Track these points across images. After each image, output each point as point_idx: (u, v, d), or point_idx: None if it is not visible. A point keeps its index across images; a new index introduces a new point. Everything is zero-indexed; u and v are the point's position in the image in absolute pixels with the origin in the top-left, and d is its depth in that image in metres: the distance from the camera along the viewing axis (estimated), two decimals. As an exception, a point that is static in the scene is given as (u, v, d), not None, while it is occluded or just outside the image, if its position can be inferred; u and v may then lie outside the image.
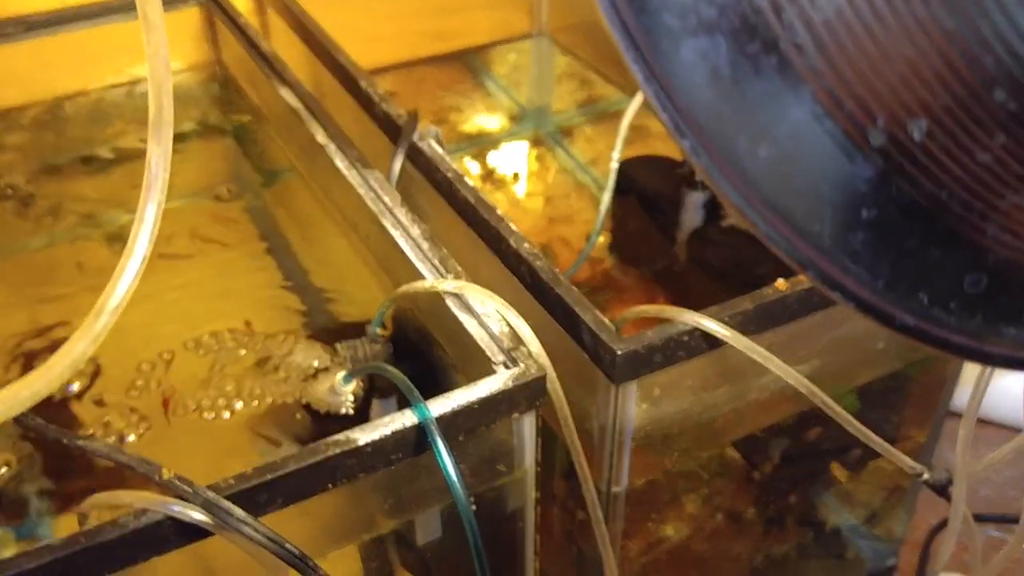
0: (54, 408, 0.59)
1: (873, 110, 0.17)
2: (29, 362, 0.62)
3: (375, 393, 0.59)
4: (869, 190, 0.18)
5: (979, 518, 0.73)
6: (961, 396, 0.77)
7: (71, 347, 0.28)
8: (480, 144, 0.96)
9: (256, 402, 0.59)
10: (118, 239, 0.72)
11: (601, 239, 0.82)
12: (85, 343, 0.27)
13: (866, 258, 0.19)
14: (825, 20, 0.17)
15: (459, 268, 0.56)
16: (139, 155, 0.79)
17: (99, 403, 0.59)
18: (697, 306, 0.54)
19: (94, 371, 0.61)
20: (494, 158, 0.95)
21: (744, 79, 0.17)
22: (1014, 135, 0.17)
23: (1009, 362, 0.20)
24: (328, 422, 0.57)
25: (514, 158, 0.96)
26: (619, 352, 0.51)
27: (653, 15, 0.17)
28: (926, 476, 0.59)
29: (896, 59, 0.17)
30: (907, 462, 0.59)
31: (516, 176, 0.93)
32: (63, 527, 0.55)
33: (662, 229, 0.85)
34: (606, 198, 0.80)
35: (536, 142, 0.98)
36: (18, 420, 0.53)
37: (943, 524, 0.82)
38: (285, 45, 0.85)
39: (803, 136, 0.18)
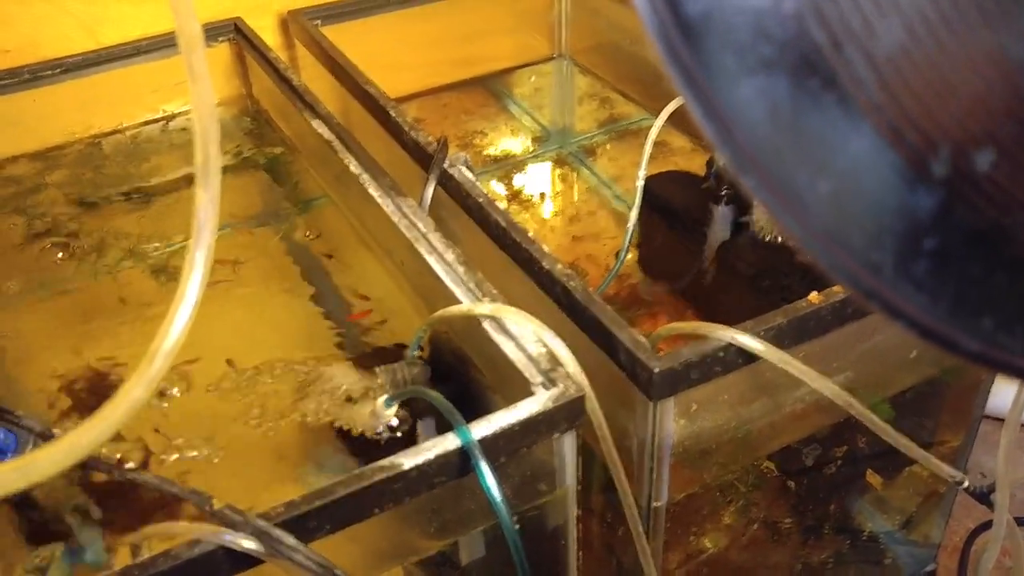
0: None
1: (936, 141, 0.18)
2: (76, 396, 0.64)
3: (415, 416, 0.60)
4: (931, 220, 0.18)
5: (1020, 522, 0.74)
6: (996, 400, 0.77)
7: (127, 392, 0.29)
8: (506, 166, 0.98)
9: (298, 428, 0.60)
10: (160, 271, 0.73)
11: (628, 255, 0.83)
12: (141, 388, 0.28)
13: (929, 286, 0.19)
14: (886, 54, 0.17)
15: (494, 291, 0.57)
16: (176, 188, 0.81)
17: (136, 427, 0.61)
18: (727, 319, 0.54)
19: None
20: (520, 179, 0.97)
21: (804, 115, 0.17)
22: None
23: None
24: (370, 445, 0.58)
25: (539, 178, 0.97)
26: (656, 370, 0.51)
27: (711, 54, 0.17)
28: (966, 484, 0.60)
29: (961, 91, 0.17)
30: (946, 470, 0.60)
31: (542, 196, 0.95)
32: (117, 556, 0.56)
33: (689, 244, 0.86)
34: (633, 215, 0.81)
35: (560, 162, 0.99)
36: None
37: (981, 528, 0.82)
38: (314, 77, 0.86)
39: (864, 169, 0.18)
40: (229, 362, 0.65)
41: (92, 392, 0.64)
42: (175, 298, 0.27)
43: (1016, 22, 0.16)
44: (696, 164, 0.90)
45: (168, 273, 0.73)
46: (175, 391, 0.63)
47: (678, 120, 0.92)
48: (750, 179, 0.17)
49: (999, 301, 0.19)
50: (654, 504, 0.58)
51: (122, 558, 0.55)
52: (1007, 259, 0.19)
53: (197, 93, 0.26)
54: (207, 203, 0.27)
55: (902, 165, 0.18)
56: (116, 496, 0.58)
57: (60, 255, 0.75)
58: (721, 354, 0.53)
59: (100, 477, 0.58)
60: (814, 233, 0.18)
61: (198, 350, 0.66)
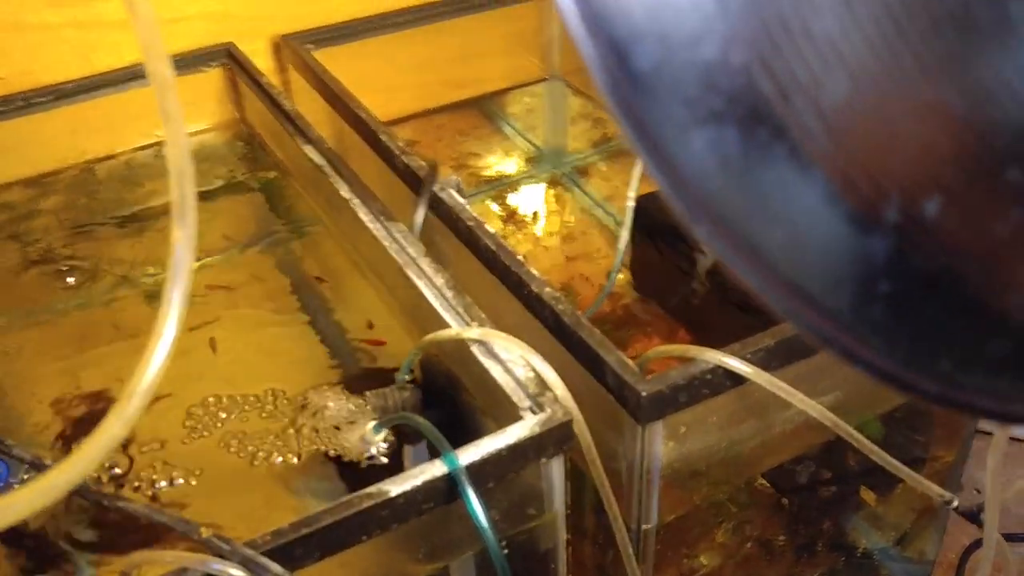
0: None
1: (886, 189, 0.18)
2: (70, 422, 0.64)
3: (405, 440, 0.61)
4: (885, 265, 0.18)
5: (1014, 537, 0.74)
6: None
7: (104, 431, 0.29)
8: (499, 187, 0.98)
9: (289, 453, 0.61)
10: (154, 298, 0.74)
11: (621, 275, 0.83)
12: (118, 426, 0.28)
13: (886, 330, 0.19)
14: (833, 105, 0.17)
15: (483, 316, 0.57)
16: (169, 213, 0.82)
17: (133, 457, 0.61)
18: (719, 338, 0.55)
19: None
20: (513, 199, 0.97)
21: (755, 165, 0.18)
22: None
23: None
24: (360, 470, 0.59)
25: (533, 199, 0.97)
26: (644, 393, 0.52)
27: (661, 107, 0.17)
28: (956, 503, 0.60)
29: (907, 141, 0.17)
30: (936, 490, 0.60)
31: (535, 216, 0.95)
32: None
33: (681, 263, 0.86)
34: (624, 235, 0.81)
35: (553, 182, 0.99)
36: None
37: (976, 544, 0.82)
38: (306, 100, 0.87)
39: (817, 217, 0.18)
40: (215, 398, 0.66)
41: (86, 419, 0.65)
42: (152, 336, 0.27)
43: (955, 77, 0.16)
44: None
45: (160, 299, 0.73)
46: (168, 420, 0.63)
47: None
48: (702, 229, 0.18)
49: (956, 343, 0.19)
50: (644, 527, 0.58)
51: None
52: (962, 302, 0.19)
53: (172, 133, 0.27)
54: (184, 242, 0.27)
55: (854, 212, 0.18)
56: (110, 523, 0.59)
57: (55, 281, 0.76)
58: (709, 376, 0.53)
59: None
60: (770, 281, 0.18)
61: (191, 375, 0.66)
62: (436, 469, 0.47)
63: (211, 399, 0.64)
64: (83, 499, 0.50)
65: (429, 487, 0.47)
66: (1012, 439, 0.97)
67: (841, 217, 0.18)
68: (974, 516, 0.59)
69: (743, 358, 0.53)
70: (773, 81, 0.17)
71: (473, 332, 0.55)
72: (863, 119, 0.17)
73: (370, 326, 0.71)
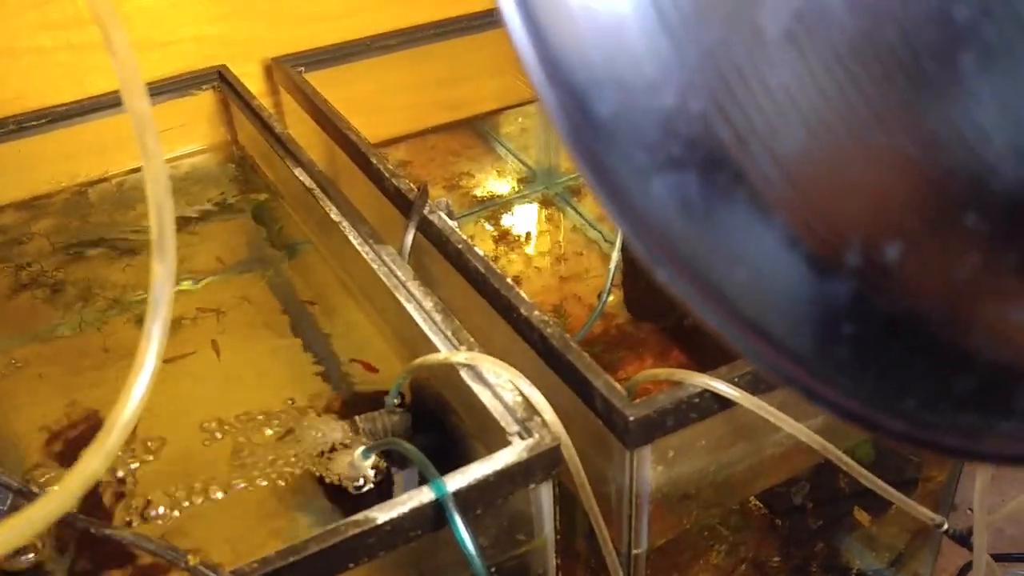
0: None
1: (846, 234, 0.18)
2: (62, 446, 0.64)
3: (395, 465, 0.61)
4: (848, 307, 0.19)
5: (1007, 557, 0.74)
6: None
7: (84, 466, 0.29)
8: (492, 207, 0.98)
9: (277, 478, 0.61)
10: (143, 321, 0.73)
11: (613, 296, 0.83)
12: (97, 462, 0.28)
13: (850, 370, 0.19)
14: (791, 153, 0.17)
15: (472, 339, 0.57)
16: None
17: (122, 481, 0.61)
18: (712, 358, 0.54)
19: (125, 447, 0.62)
20: (506, 220, 0.97)
21: (715, 210, 0.18)
22: (988, 253, 0.18)
23: (1005, 458, 0.20)
24: (349, 496, 0.59)
25: (526, 219, 0.97)
26: (631, 418, 0.52)
27: (622, 152, 0.17)
28: (946, 527, 0.60)
29: (865, 188, 0.17)
30: (926, 513, 0.60)
31: (528, 236, 0.95)
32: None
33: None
34: (615, 255, 0.81)
35: (546, 202, 1.00)
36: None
37: (970, 565, 0.82)
38: (298, 122, 0.87)
39: (777, 260, 0.18)
40: (207, 424, 0.66)
41: (77, 442, 0.64)
42: (132, 371, 0.27)
43: (909, 126, 0.16)
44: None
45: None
46: (159, 445, 0.63)
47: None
48: (663, 272, 0.18)
49: (921, 382, 0.19)
50: (634, 551, 0.58)
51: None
52: (925, 343, 0.19)
53: (150, 168, 0.27)
54: (163, 276, 0.27)
55: (814, 256, 0.18)
56: (101, 548, 0.58)
57: (47, 304, 0.76)
58: (697, 400, 0.53)
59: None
60: (731, 322, 0.18)
61: (180, 398, 0.66)
62: (423, 496, 0.47)
63: (200, 422, 0.64)
64: (71, 526, 0.50)
65: (416, 514, 0.47)
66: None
67: (801, 261, 0.18)
68: (964, 539, 0.59)
69: (731, 381, 0.53)
70: (730, 128, 0.17)
71: (461, 356, 0.55)
72: (820, 166, 0.17)
73: (368, 367, 0.71)
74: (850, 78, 0.16)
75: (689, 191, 0.17)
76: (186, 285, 0.77)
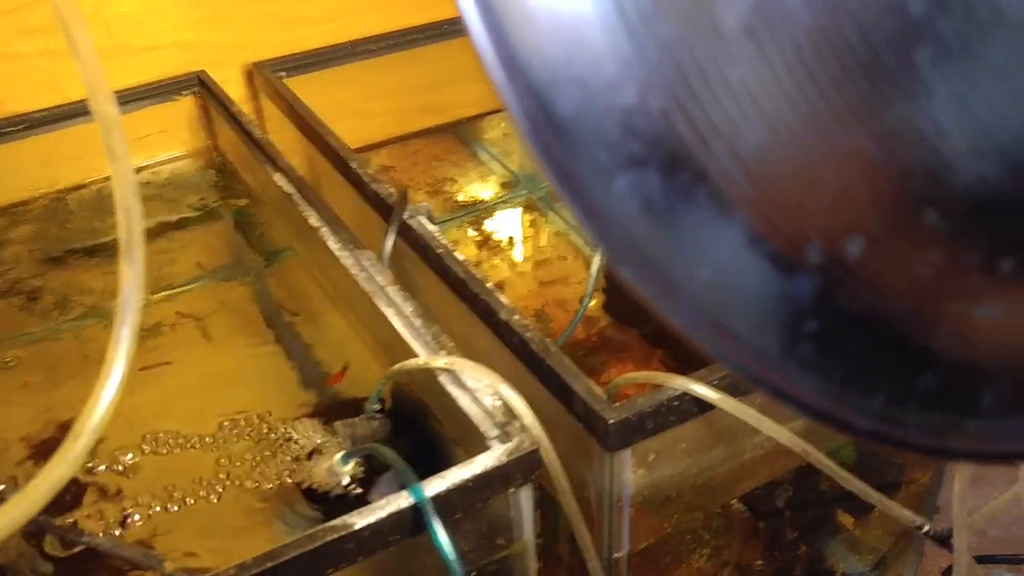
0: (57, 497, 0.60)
1: (807, 232, 0.18)
2: (39, 452, 0.63)
3: (374, 471, 0.60)
4: (811, 304, 0.19)
5: (990, 559, 0.74)
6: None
7: (50, 471, 0.28)
8: (475, 212, 0.98)
9: (256, 484, 0.60)
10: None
11: (595, 301, 0.83)
12: (64, 467, 0.28)
13: (816, 368, 0.19)
14: (752, 151, 0.17)
15: (451, 344, 0.57)
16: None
17: (101, 490, 0.61)
18: (694, 362, 0.54)
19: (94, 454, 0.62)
20: (489, 225, 0.97)
21: (677, 208, 0.18)
22: (950, 250, 0.18)
23: (973, 456, 0.20)
24: (329, 502, 0.58)
25: (508, 224, 0.97)
26: (611, 421, 0.51)
27: (583, 152, 0.17)
28: (927, 528, 0.60)
29: (826, 185, 0.17)
30: (907, 515, 0.60)
31: (511, 241, 0.95)
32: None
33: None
34: (597, 260, 0.81)
35: (529, 207, 0.99)
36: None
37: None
38: (279, 128, 0.87)
39: (740, 258, 0.18)
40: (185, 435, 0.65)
41: (55, 448, 0.64)
42: (100, 375, 0.27)
43: (868, 123, 0.16)
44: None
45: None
46: (140, 451, 0.63)
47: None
48: (627, 270, 0.17)
49: (887, 379, 0.19)
50: (616, 555, 0.58)
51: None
52: (890, 340, 0.19)
53: (118, 172, 0.26)
54: (132, 279, 0.27)
55: (777, 254, 0.18)
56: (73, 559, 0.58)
57: (24, 312, 0.75)
58: (676, 403, 0.53)
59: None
60: (696, 321, 0.18)
61: (158, 403, 0.66)
62: (402, 501, 0.47)
63: (179, 428, 0.64)
64: (47, 534, 0.50)
65: (395, 519, 0.47)
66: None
67: (764, 259, 0.18)
68: (945, 540, 0.59)
69: (710, 384, 0.53)
70: (691, 127, 0.17)
71: (440, 361, 0.55)
72: (781, 164, 0.17)
73: (340, 373, 0.70)
74: (809, 74, 0.16)
75: (650, 190, 0.17)
76: (163, 292, 0.76)
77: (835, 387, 0.19)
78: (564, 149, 0.17)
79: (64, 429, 0.65)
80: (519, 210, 0.99)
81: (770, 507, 0.76)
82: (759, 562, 0.79)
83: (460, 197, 1.00)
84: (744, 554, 0.77)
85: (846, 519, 0.84)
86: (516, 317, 0.59)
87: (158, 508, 0.59)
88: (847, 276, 0.18)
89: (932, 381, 0.19)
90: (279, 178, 0.73)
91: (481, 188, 1.02)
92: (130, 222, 0.27)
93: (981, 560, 0.67)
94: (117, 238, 0.29)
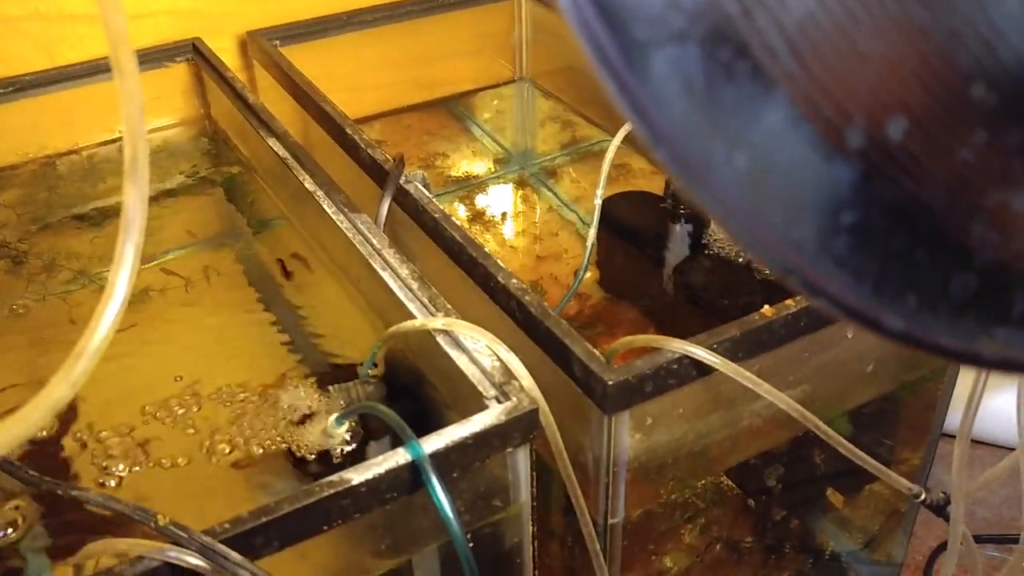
0: (48, 461, 0.59)
1: (850, 111, 0.17)
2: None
3: (369, 435, 0.60)
4: (850, 193, 0.18)
5: (977, 539, 0.74)
6: (953, 418, 0.77)
7: (50, 391, 0.28)
8: (467, 187, 0.98)
9: (249, 448, 0.60)
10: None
11: (588, 275, 0.83)
12: (64, 387, 0.28)
13: (850, 263, 0.18)
14: (797, 22, 0.17)
15: (448, 306, 0.57)
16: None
17: (90, 451, 0.60)
18: (686, 337, 0.54)
19: (74, 418, 0.61)
20: (481, 200, 0.96)
21: (717, 87, 0.17)
22: (994, 131, 0.17)
23: (1002, 364, 0.20)
24: (322, 465, 0.58)
25: (501, 200, 0.97)
26: (610, 382, 0.51)
27: (623, 28, 0.17)
28: (924, 497, 0.60)
29: (871, 59, 0.17)
30: (904, 484, 0.60)
31: (504, 217, 0.95)
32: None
33: (648, 262, 0.86)
34: (591, 234, 0.81)
35: (521, 183, 0.99)
36: (11, 472, 0.53)
37: (943, 546, 0.82)
38: (272, 98, 0.86)
39: (780, 141, 0.18)
40: (179, 378, 0.64)
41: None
42: (104, 295, 0.26)
43: None
44: (656, 185, 0.91)
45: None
46: (136, 417, 0.62)
47: (637, 141, 0.93)
48: (663, 153, 0.17)
49: (921, 278, 0.19)
50: (611, 521, 0.58)
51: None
52: (926, 234, 0.18)
53: (124, 89, 0.26)
54: (135, 197, 0.26)
55: (817, 137, 0.17)
56: (60, 519, 0.57)
57: (12, 276, 0.74)
58: (675, 366, 0.53)
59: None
60: (731, 210, 0.17)
61: (150, 372, 0.65)
62: (400, 457, 0.47)
63: (169, 392, 0.63)
64: (36, 488, 0.49)
65: (392, 476, 0.46)
66: (974, 441, 0.97)
67: (804, 142, 0.17)
68: (941, 510, 0.59)
69: (709, 348, 0.53)
70: (735, -2, 0.16)
71: (437, 322, 0.55)
72: (826, 36, 0.16)
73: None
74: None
75: (690, 67, 0.17)
76: (155, 261, 0.75)
77: (869, 284, 0.18)
78: (603, 25, 0.16)
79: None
80: (511, 186, 0.99)
81: (760, 485, 0.76)
82: (749, 539, 0.79)
83: (452, 172, 1.00)
84: (734, 531, 0.77)
85: (836, 498, 0.84)
86: (514, 281, 0.59)
87: (142, 472, 0.58)
88: (887, 162, 0.17)
89: (965, 283, 0.19)
90: (274, 143, 0.73)
91: (473, 163, 1.01)
92: (135, 143, 0.27)
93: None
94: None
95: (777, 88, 0.17)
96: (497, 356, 0.52)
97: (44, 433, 0.58)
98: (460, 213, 0.95)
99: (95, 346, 0.26)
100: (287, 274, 0.69)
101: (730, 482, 0.76)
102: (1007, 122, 0.17)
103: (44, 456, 0.59)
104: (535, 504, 0.54)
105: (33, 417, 0.25)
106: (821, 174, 0.18)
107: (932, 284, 0.19)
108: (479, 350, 0.53)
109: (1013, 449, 0.96)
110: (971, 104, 0.17)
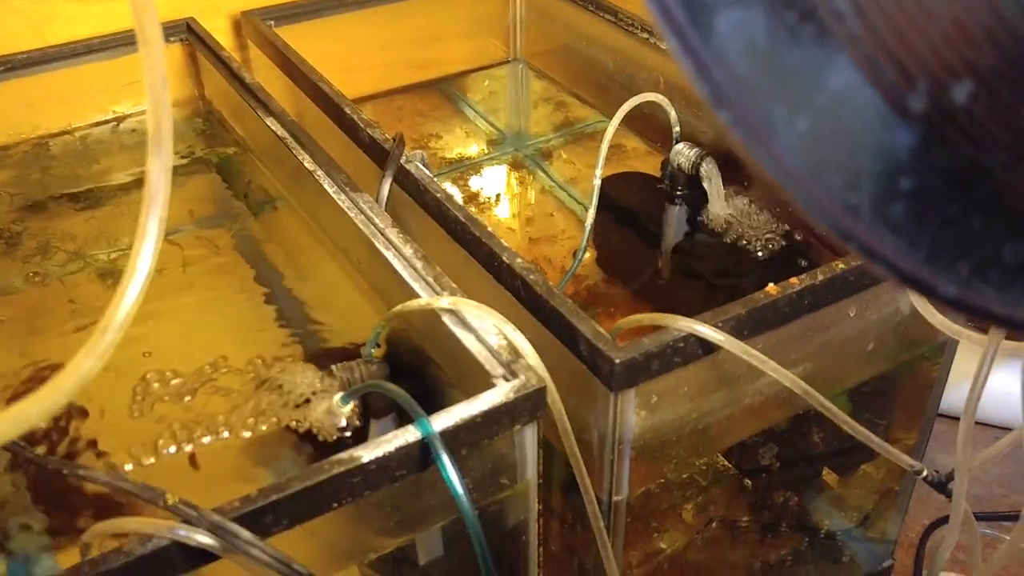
0: (48, 444, 0.59)
1: (914, 74, 0.17)
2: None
3: (372, 415, 0.59)
4: (909, 158, 0.18)
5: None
6: (948, 399, 0.78)
7: (78, 364, 0.28)
8: (461, 169, 0.97)
9: (253, 429, 0.59)
10: (108, 275, 0.72)
11: (585, 256, 0.83)
12: (92, 360, 0.27)
13: (906, 229, 0.19)
14: None
15: (453, 285, 0.57)
16: (126, 191, 0.80)
17: (92, 440, 0.59)
18: (685, 317, 0.54)
19: (85, 404, 0.61)
20: (476, 182, 0.96)
21: (781, 50, 0.17)
22: None
23: None
24: (326, 445, 0.58)
25: (495, 181, 0.97)
26: (617, 360, 0.51)
27: None
28: (925, 473, 0.60)
29: (940, 17, 0.17)
30: (906, 460, 0.60)
31: (498, 199, 0.94)
32: (65, 562, 0.54)
33: (645, 243, 0.86)
34: (591, 215, 0.81)
35: (516, 165, 0.99)
36: (17, 452, 0.53)
37: (936, 524, 0.83)
38: (268, 79, 0.85)
39: (842, 106, 0.18)
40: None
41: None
42: (127, 269, 0.26)
43: None
44: (651, 166, 0.91)
45: (115, 277, 0.71)
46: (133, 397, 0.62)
47: (633, 122, 0.93)
48: (725, 115, 0.17)
49: (974, 245, 0.19)
50: (615, 498, 0.58)
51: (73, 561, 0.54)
52: (983, 200, 0.18)
53: (148, 56, 0.25)
54: (160, 170, 0.26)
55: (880, 101, 0.17)
56: (62, 503, 0.57)
57: (6, 258, 0.73)
58: (681, 344, 0.53)
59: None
60: (790, 172, 0.17)
61: (149, 356, 0.65)
62: (409, 435, 0.46)
63: (169, 373, 0.63)
64: (42, 467, 0.48)
65: (402, 453, 0.46)
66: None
67: (867, 106, 0.17)
68: (942, 486, 0.59)
69: (715, 326, 0.53)
70: (802, -41, 0.16)
71: (444, 301, 0.54)
72: None
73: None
74: None
75: (755, 29, 0.17)
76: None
77: (924, 251, 0.19)
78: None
79: (45, 374, 0.64)
80: (505, 167, 0.99)
81: (756, 464, 0.76)
82: (745, 519, 0.79)
83: (446, 154, 0.99)
84: (731, 510, 0.78)
85: (831, 477, 0.84)
86: (519, 260, 0.59)
87: (143, 453, 0.58)
88: (949, 126, 0.17)
89: (1017, 251, 0.19)
90: (272, 122, 0.72)
91: (467, 145, 1.01)
92: (159, 114, 0.26)
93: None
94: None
95: (841, 52, 0.17)
96: (504, 335, 0.52)
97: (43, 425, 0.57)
98: (454, 195, 0.94)
99: (120, 319, 0.26)
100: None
101: (726, 462, 0.77)
102: None
103: (42, 441, 0.59)
104: (541, 482, 0.54)
105: (63, 389, 0.25)
106: (881, 139, 0.18)
107: (985, 251, 0.19)
108: (485, 329, 0.53)
109: (1004, 428, 0.97)
110: None
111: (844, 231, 0.18)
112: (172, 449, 0.59)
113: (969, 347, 0.59)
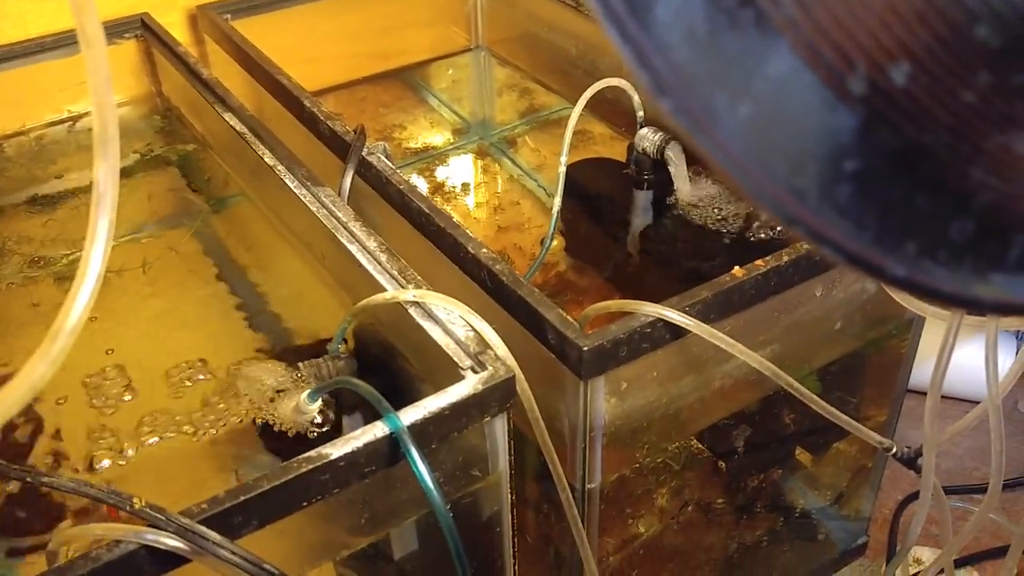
0: (12, 448, 0.58)
1: (852, 57, 0.17)
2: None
3: (342, 411, 0.59)
4: (852, 141, 0.18)
5: (944, 490, 0.75)
6: (919, 375, 0.78)
7: (30, 370, 0.27)
8: (426, 159, 0.97)
9: (220, 427, 0.59)
10: (65, 279, 0.70)
11: (555, 243, 0.82)
12: (44, 366, 0.27)
13: (853, 211, 0.19)
14: None
15: (419, 278, 0.56)
16: (84, 192, 0.79)
17: (56, 437, 0.58)
18: (654, 301, 0.54)
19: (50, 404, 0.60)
20: (442, 172, 0.96)
21: (720, 35, 0.17)
22: (998, 72, 0.17)
23: (998, 307, 0.20)
24: (295, 442, 0.57)
25: (461, 170, 0.96)
26: (585, 348, 0.51)
27: None
28: (895, 450, 0.60)
29: (874, 2, 0.17)
30: (875, 437, 0.60)
31: (465, 188, 0.94)
32: (31, 571, 0.54)
33: (612, 229, 0.86)
34: (556, 201, 0.80)
35: (481, 153, 0.98)
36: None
37: (908, 499, 0.84)
38: (226, 74, 0.84)
39: (783, 90, 0.18)
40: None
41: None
42: (79, 271, 0.26)
43: None
44: (617, 151, 0.91)
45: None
46: (98, 399, 0.61)
47: (598, 108, 0.92)
48: (667, 103, 0.17)
49: (921, 225, 0.19)
50: (588, 486, 0.58)
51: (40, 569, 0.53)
52: (927, 180, 0.18)
53: (91, 58, 0.25)
54: (107, 172, 0.25)
55: (820, 85, 0.17)
56: (22, 510, 0.56)
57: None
58: (649, 330, 0.53)
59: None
60: (735, 158, 0.17)
61: (112, 355, 0.64)
62: (378, 431, 0.46)
63: (133, 374, 0.62)
64: (7, 478, 0.48)
65: (371, 449, 0.46)
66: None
67: (808, 90, 0.17)
68: (911, 462, 0.60)
69: (681, 311, 0.53)
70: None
71: (409, 294, 0.54)
72: None
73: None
74: None
75: (693, 16, 0.16)
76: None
77: (871, 232, 0.19)
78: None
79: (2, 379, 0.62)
80: (471, 156, 0.98)
81: (729, 447, 0.76)
82: (720, 501, 0.79)
83: (411, 144, 0.99)
84: (705, 493, 0.78)
85: (804, 457, 0.85)
86: (484, 251, 0.58)
87: (111, 455, 0.57)
88: (890, 107, 0.17)
89: (964, 228, 0.19)
90: (230, 117, 0.71)
91: (431, 135, 1.00)
92: (103, 113, 0.26)
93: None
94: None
95: (780, 36, 0.17)
96: (471, 326, 0.52)
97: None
98: (420, 186, 0.94)
99: (72, 324, 0.25)
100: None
101: (700, 445, 0.77)
102: (1011, 63, 0.17)
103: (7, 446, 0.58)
104: (513, 473, 0.54)
105: (13, 398, 0.24)
106: (823, 123, 0.17)
107: (932, 230, 0.19)
108: (452, 321, 0.53)
109: (972, 401, 0.97)
110: (975, 45, 0.17)
111: (791, 215, 0.18)
112: (132, 452, 0.58)
113: (936, 323, 0.59)
